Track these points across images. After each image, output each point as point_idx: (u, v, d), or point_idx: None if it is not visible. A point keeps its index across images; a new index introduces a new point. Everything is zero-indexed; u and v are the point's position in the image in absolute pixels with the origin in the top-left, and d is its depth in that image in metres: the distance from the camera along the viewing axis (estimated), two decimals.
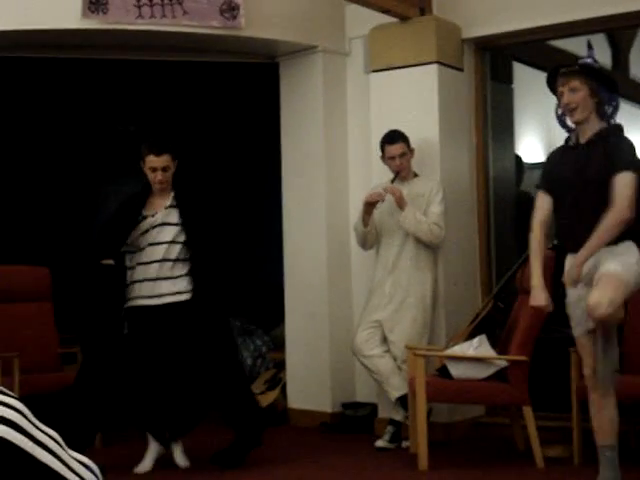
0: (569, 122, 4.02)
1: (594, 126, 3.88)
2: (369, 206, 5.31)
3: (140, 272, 4.72)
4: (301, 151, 6.16)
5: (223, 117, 8.07)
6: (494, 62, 6.13)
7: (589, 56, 4.05)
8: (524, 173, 6.90)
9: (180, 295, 4.70)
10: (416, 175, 5.48)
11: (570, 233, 3.89)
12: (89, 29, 5.33)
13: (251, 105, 7.71)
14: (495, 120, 6.09)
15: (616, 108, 3.98)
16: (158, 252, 4.71)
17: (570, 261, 3.91)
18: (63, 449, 1.00)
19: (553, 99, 4.08)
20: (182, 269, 4.72)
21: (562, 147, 4.05)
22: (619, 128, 3.94)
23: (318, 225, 6.02)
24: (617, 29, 6.52)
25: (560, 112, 4.04)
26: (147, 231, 4.75)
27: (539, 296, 3.92)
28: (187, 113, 8.00)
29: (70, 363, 5.98)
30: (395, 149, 5.34)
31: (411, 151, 5.41)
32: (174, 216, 4.76)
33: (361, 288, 5.83)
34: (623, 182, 3.75)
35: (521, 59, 6.51)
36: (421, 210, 5.29)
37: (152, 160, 4.75)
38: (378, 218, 5.40)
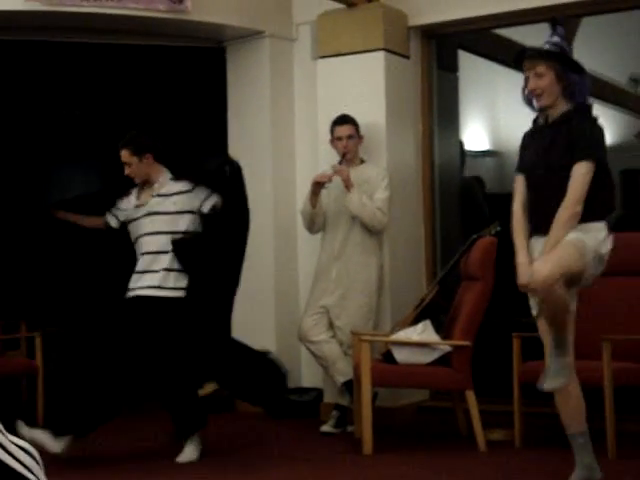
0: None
1: (561, 108, 3.88)
2: (317, 186, 5.33)
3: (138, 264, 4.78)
4: (248, 136, 6.15)
5: (169, 101, 8.01)
6: (440, 50, 6.17)
7: (557, 34, 4.02)
8: (466, 160, 6.97)
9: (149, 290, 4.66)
10: (363, 161, 5.51)
11: (533, 215, 3.91)
12: (33, 10, 5.26)
13: (198, 90, 7.66)
14: (441, 107, 6.14)
15: (584, 88, 3.97)
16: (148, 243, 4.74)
17: (532, 243, 3.93)
18: (3, 434, 1.00)
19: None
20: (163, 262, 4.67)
21: (532, 129, 4.06)
22: (586, 109, 3.91)
23: (264, 210, 6.02)
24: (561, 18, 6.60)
25: (527, 93, 4.02)
26: (136, 220, 4.78)
27: (526, 273, 3.93)
28: (133, 97, 7.92)
29: (14, 349, 5.93)
30: (343, 130, 5.37)
31: (360, 137, 5.44)
32: (159, 205, 4.75)
33: (307, 273, 5.84)
34: (578, 172, 3.77)
35: (467, 47, 6.56)
36: (367, 195, 5.32)
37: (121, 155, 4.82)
38: (325, 203, 5.42)
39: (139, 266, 4.72)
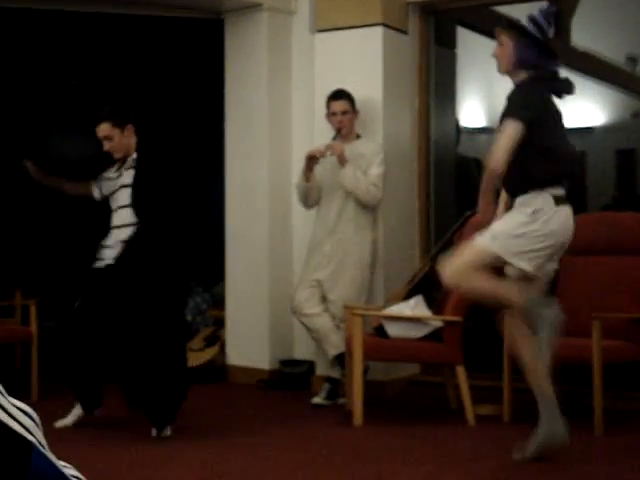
0: None
1: (516, 79, 3.98)
2: (310, 160, 5.35)
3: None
4: (245, 109, 6.16)
5: (167, 72, 8.00)
6: (438, 26, 6.17)
7: (540, 9, 4.08)
8: (462, 137, 6.98)
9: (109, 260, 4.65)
10: (358, 137, 5.52)
11: None
12: None
13: (196, 61, 7.65)
14: (438, 84, 6.15)
15: (539, 64, 4.01)
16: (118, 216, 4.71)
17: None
18: (3, 396, 1.03)
19: (495, 65, 4.13)
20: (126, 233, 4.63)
21: None
22: (531, 79, 3.95)
23: (260, 184, 6.04)
24: None
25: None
26: (113, 193, 4.75)
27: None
28: (131, 67, 7.91)
29: (7, 316, 5.96)
30: (338, 105, 5.38)
31: (355, 112, 5.45)
32: (129, 177, 4.70)
33: (302, 247, 5.87)
34: (501, 133, 3.85)
35: (465, 24, 6.56)
36: (361, 171, 5.34)
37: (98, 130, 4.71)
38: (320, 178, 5.44)
39: (107, 240, 4.69)
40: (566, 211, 3.95)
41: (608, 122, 8.92)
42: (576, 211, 5.29)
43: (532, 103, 3.90)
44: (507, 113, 3.88)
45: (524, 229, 3.84)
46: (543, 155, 3.88)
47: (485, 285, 3.86)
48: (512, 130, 3.81)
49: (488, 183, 3.92)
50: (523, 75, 3.96)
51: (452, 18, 6.36)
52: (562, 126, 4.07)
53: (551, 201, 3.87)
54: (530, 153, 3.85)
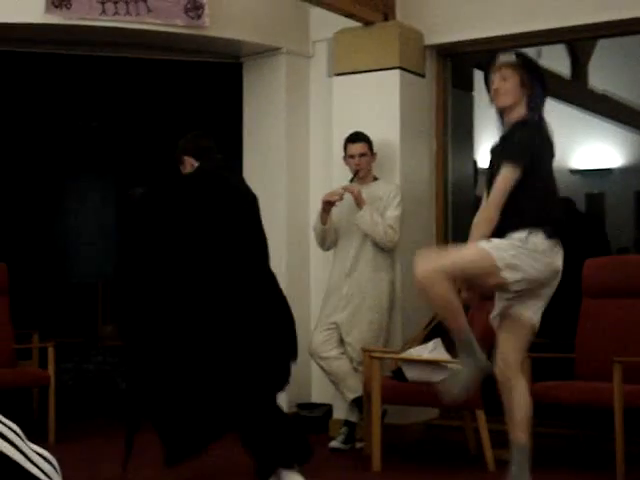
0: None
1: (517, 116, 3.90)
2: (327, 205, 5.36)
3: None
4: (263, 152, 6.19)
5: (186, 116, 8.07)
6: (455, 69, 6.20)
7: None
8: (479, 179, 6.98)
9: None
10: (376, 179, 5.53)
11: None
12: (52, 24, 5.31)
13: (214, 105, 7.72)
14: (455, 126, 6.16)
15: (541, 103, 3.99)
16: None
17: None
18: (23, 441, 1.02)
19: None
20: None
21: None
22: (530, 120, 3.89)
23: (278, 226, 6.05)
24: (576, 40, 6.63)
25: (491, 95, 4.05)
26: None
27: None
28: (150, 111, 7.98)
29: (26, 359, 5.96)
30: (356, 148, 5.41)
31: (373, 154, 5.47)
32: None
33: (319, 289, 5.86)
34: (499, 176, 3.79)
35: (482, 67, 6.58)
36: (379, 213, 5.34)
37: None
38: (337, 220, 5.45)
39: None
40: (557, 251, 3.86)
41: (627, 164, 8.91)
42: (595, 253, 5.29)
43: (531, 146, 3.82)
44: (504, 157, 3.81)
45: (515, 250, 3.77)
46: (536, 197, 3.83)
47: (445, 297, 3.70)
48: (509, 177, 3.77)
49: (486, 231, 3.84)
50: (522, 112, 3.91)
51: (469, 61, 6.39)
52: (551, 168, 4.00)
53: (542, 235, 3.80)
54: (524, 194, 3.80)
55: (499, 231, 3.81)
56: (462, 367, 3.82)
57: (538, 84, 3.93)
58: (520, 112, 3.89)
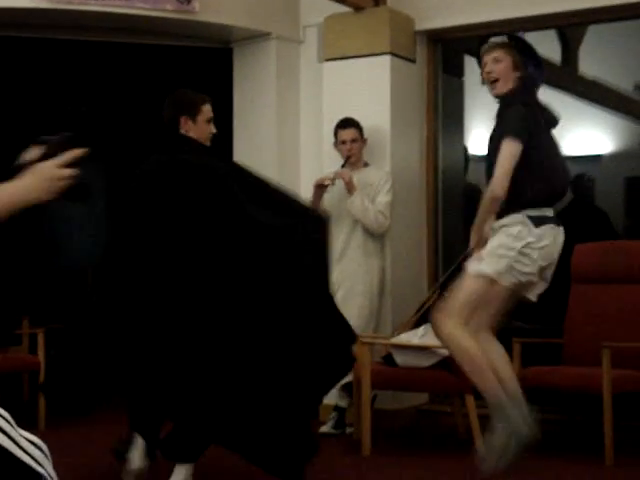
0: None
1: (507, 90, 3.91)
2: (319, 189, 5.36)
3: None
4: (253, 138, 6.17)
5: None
6: (446, 55, 6.19)
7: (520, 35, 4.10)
8: (470, 164, 6.99)
9: None
10: (367, 165, 5.53)
11: None
12: (40, 8, 5.29)
13: (204, 90, 7.68)
14: (446, 112, 6.16)
15: (537, 84, 3.99)
16: None
17: None
18: (13, 428, 1.02)
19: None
20: None
21: None
22: (516, 96, 3.90)
23: None
24: (567, 26, 6.63)
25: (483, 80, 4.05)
26: None
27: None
28: (139, 95, 7.95)
29: (16, 345, 5.95)
30: (347, 134, 5.40)
31: (363, 140, 5.46)
32: None
33: None
34: (502, 153, 3.77)
35: (473, 52, 6.56)
36: (369, 199, 5.35)
37: None
38: (327, 205, 5.44)
39: None
40: (551, 232, 3.87)
41: (617, 150, 8.92)
42: (585, 239, 5.30)
43: (526, 119, 3.83)
44: (507, 130, 3.82)
45: (506, 250, 3.79)
46: (534, 173, 3.83)
47: (470, 352, 3.78)
48: (513, 151, 3.75)
49: (491, 208, 3.85)
50: (509, 87, 3.91)
51: (460, 47, 6.38)
52: (554, 142, 4.00)
53: (530, 226, 3.80)
54: (522, 171, 3.79)
55: (501, 211, 3.84)
56: (495, 434, 3.70)
57: (532, 66, 3.91)
58: (508, 87, 3.89)
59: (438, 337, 3.95)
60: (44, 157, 1.97)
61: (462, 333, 3.77)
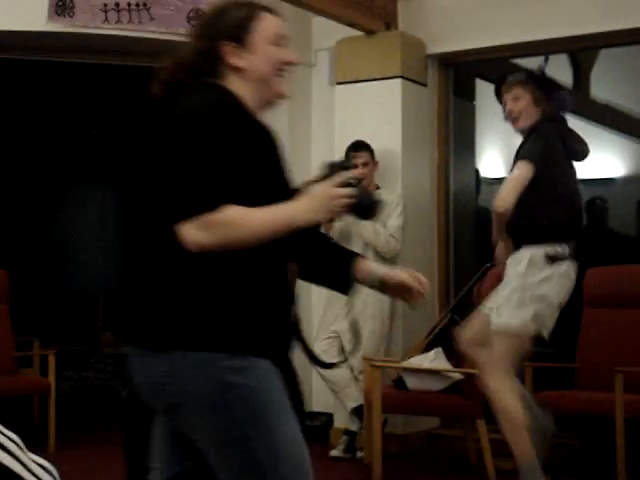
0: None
1: (531, 123, 3.92)
2: None
3: None
4: None
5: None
6: (457, 78, 6.20)
7: (541, 68, 4.10)
8: (481, 188, 6.99)
9: None
10: (378, 187, 5.53)
11: None
12: (55, 32, 5.32)
13: None
14: (457, 135, 6.17)
15: (563, 111, 4.00)
16: None
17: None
18: (22, 451, 1.02)
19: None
20: None
21: None
22: (557, 123, 3.93)
23: None
24: (578, 50, 6.64)
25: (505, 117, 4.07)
26: None
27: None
28: (152, 119, 7.97)
29: (26, 366, 5.95)
30: (358, 157, 5.41)
31: (375, 163, 5.47)
32: None
33: (320, 298, 5.84)
34: (513, 173, 3.81)
35: (484, 76, 6.59)
36: (380, 222, 5.34)
37: None
38: (338, 228, 5.44)
39: None
40: (565, 271, 3.85)
41: (629, 173, 8.91)
42: (598, 262, 5.28)
43: (542, 147, 3.83)
44: (521, 155, 3.83)
45: (521, 292, 3.79)
46: (550, 204, 3.82)
47: (509, 409, 3.80)
48: (523, 172, 3.75)
49: (497, 225, 3.87)
50: (533, 120, 3.92)
51: (471, 70, 6.40)
52: (574, 175, 4.00)
53: (542, 262, 3.80)
54: (538, 199, 3.79)
55: (515, 243, 3.85)
56: None
57: (554, 97, 3.92)
58: (529, 122, 3.90)
59: (485, 388, 3.97)
60: (323, 178, 2.09)
61: (505, 390, 3.80)
